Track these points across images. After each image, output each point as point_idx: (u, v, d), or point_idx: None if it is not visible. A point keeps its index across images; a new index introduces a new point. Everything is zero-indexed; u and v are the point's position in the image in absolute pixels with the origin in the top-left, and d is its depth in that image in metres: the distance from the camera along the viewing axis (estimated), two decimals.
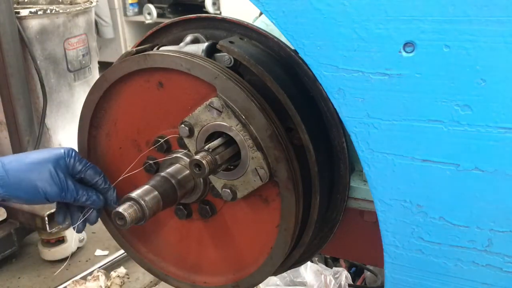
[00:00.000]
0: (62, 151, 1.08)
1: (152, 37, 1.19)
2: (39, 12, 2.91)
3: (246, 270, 1.11)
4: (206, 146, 0.96)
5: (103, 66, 3.04)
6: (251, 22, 1.15)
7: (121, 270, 2.91)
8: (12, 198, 1.02)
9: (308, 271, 2.29)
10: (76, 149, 1.18)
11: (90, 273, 2.86)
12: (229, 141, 0.98)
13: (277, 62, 1.04)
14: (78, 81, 3.24)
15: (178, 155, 1.07)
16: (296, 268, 2.26)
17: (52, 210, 2.91)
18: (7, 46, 2.74)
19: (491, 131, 0.80)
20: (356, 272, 2.51)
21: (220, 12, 5.63)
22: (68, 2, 3.30)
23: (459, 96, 0.80)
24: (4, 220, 3.03)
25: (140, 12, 6.42)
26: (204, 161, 0.92)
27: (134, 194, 0.98)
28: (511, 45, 0.75)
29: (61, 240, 3.08)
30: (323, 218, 1.11)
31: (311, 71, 0.93)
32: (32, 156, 1.05)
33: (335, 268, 2.36)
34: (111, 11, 6.28)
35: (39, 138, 3.00)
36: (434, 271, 0.93)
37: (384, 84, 0.85)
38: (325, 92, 0.93)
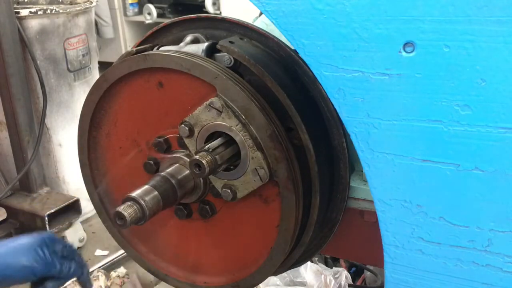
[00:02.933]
0: (45, 235, 1.15)
1: (152, 37, 1.19)
2: (39, 12, 2.91)
3: (246, 270, 1.11)
4: (206, 146, 0.96)
5: (103, 66, 3.04)
6: (251, 22, 1.15)
7: (121, 270, 2.91)
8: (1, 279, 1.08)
9: (308, 271, 2.29)
10: (76, 149, 1.19)
11: (90, 273, 2.86)
12: (229, 141, 0.98)
13: (277, 62, 1.04)
14: (78, 81, 3.25)
15: (178, 155, 1.07)
16: (296, 268, 2.26)
17: (52, 210, 2.92)
18: (7, 46, 2.75)
19: (491, 131, 0.80)
20: (356, 272, 2.52)
21: (220, 12, 5.63)
22: (68, 2, 3.30)
23: (459, 96, 0.80)
24: (4, 220, 3.03)
25: (140, 12, 6.42)
26: (204, 161, 0.92)
27: (134, 194, 0.97)
28: (511, 45, 0.75)
29: None
30: (323, 218, 1.11)
31: (311, 71, 0.93)
32: (17, 241, 1.13)
33: (335, 268, 2.36)
34: (111, 11, 6.28)
35: (39, 138, 3.00)
36: (434, 271, 0.93)
37: (384, 84, 0.85)
38: (325, 92, 0.93)
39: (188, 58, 0.97)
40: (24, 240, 1.11)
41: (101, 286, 2.75)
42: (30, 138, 2.98)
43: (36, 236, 1.14)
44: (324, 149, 1.03)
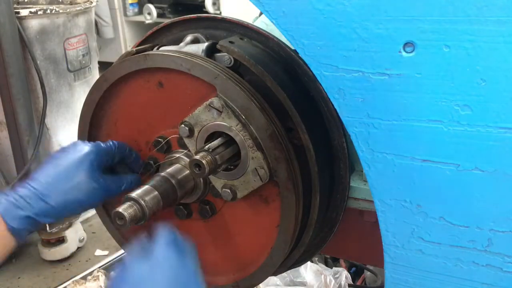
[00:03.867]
0: (87, 150, 1.05)
1: (152, 37, 1.19)
2: (39, 12, 2.91)
3: (246, 270, 1.11)
4: (206, 146, 0.96)
5: (103, 66, 3.04)
6: (251, 22, 1.15)
7: None
8: (59, 218, 1.03)
9: (308, 271, 2.29)
10: None
11: (90, 273, 2.86)
12: (229, 141, 0.98)
13: (277, 62, 1.04)
14: (78, 81, 3.24)
15: (178, 155, 1.07)
16: (296, 268, 2.26)
17: None
18: (7, 46, 2.74)
19: (491, 131, 0.80)
20: (356, 272, 2.51)
21: (220, 12, 5.63)
22: (68, 2, 3.29)
23: (459, 96, 0.80)
24: None
25: (140, 12, 6.41)
26: (204, 161, 0.92)
27: (134, 194, 0.98)
28: (511, 45, 0.75)
29: (61, 240, 3.07)
30: (323, 218, 1.11)
31: (311, 71, 0.93)
32: (62, 168, 1.03)
33: (335, 268, 2.36)
34: (111, 11, 6.27)
35: (39, 138, 2.99)
36: (434, 271, 0.93)
37: (384, 84, 0.85)
38: (325, 92, 0.93)
39: (188, 58, 0.97)
40: (70, 167, 1.02)
41: (101, 286, 2.75)
42: (30, 138, 2.97)
43: (80, 157, 1.04)
44: (324, 149, 1.03)
